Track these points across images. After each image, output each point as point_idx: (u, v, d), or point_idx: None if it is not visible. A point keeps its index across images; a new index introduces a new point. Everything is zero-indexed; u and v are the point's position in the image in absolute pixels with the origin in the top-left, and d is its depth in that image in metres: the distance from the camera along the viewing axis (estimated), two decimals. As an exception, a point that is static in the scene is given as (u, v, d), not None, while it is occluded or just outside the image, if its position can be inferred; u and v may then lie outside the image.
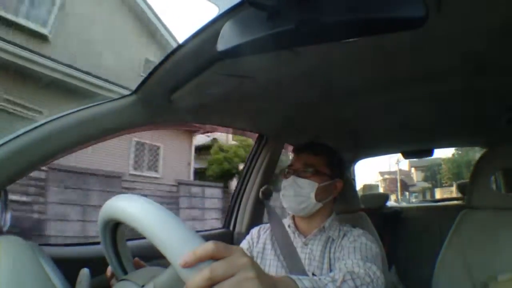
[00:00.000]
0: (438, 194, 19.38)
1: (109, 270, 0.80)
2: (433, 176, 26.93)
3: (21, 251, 0.71)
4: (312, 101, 1.47)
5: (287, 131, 1.87)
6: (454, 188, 16.55)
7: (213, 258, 0.47)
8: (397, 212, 2.85)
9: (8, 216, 1.01)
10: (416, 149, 2.69)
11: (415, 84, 1.33)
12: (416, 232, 2.65)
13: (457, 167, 21.42)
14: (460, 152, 20.75)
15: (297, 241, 1.28)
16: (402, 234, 2.69)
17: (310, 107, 1.54)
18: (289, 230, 1.33)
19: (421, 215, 2.81)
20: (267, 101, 1.44)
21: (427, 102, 1.54)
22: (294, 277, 0.71)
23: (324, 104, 1.51)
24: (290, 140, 1.95)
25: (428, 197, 21.39)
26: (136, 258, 0.82)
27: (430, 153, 2.80)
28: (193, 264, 0.45)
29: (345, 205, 1.74)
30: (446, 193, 17.35)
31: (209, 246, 0.47)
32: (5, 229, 0.99)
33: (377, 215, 2.61)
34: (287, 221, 1.37)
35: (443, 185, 23.60)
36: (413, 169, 31.75)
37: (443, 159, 22.94)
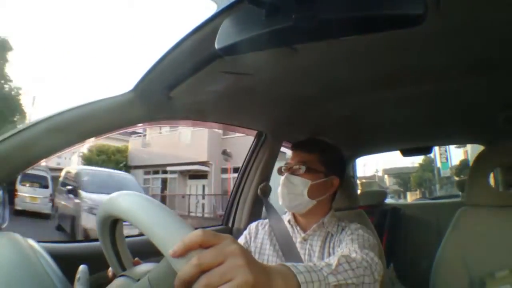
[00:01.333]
0: (409, 196, 27.11)
1: (111, 270, 0.80)
2: (405, 183, 35.72)
3: (19, 248, 0.71)
4: (311, 98, 1.47)
5: (286, 128, 1.86)
6: (418, 192, 27.20)
7: (202, 246, 0.47)
8: (396, 209, 2.85)
9: (6, 212, 1.01)
10: (415, 146, 2.69)
11: (414, 81, 1.33)
12: (414, 229, 2.66)
13: (419, 179, 31.72)
14: (424, 170, 30.61)
15: (296, 237, 1.29)
16: (400, 231, 2.69)
17: (309, 104, 1.53)
18: (289, 226, 1.33)
19: (419, 213, 2.82)
20: (266, 98, 1.44)
21: (426, 99, 1.54)
22: (288, 264, 0.70)
23: (323, 101, 1.51)
24: (289, 137, 1.95)
25: (402, 197, 29.34)
26: (136, 259, 0.83)
27: (428, 150, 2.80)
28: (183, 253, 0.46)
29: (344, 202, 1.74)
30: (413, 195, 24.10)
31: (197, 234, 0.47)
32: (3, 225, 0.99)
33: (376, 212, 2.62)
34: (286, 217, 1.37)
35: (412, 190, 32.18)
36: (386, 176, 39.37)
37: (412, 174, 32.61)
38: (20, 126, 0.98)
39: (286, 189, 1.25)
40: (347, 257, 0.90)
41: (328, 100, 1.51)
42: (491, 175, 1.58)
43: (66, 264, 0.73)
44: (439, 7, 0.78)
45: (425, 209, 2.85)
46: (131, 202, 0.56)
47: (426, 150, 2.79)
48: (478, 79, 1.30)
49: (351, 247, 1.06)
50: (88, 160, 17.35)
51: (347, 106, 1.61)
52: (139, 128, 1.27)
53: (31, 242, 0.79)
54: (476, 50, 1.08)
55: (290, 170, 1.28)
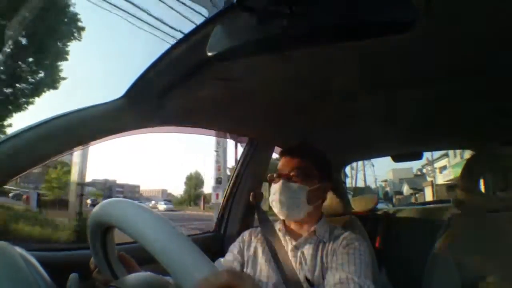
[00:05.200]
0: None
1: (92, 262, 0.80)
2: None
3: (8, 257, 0.70)
4: (302, 104, 1.47)
5: (278, 135, 1.86)
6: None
7: (224, 287, 0.47)
8: (388, 215, 2.85)
9: None
10: (406, 152, 2.70)
11: (404, 87, 1.34)
12: (406, 234, 2.65)
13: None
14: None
15: (288, 245, 1.28)
16: (392, 236, 2.69)
17: (300, 110, 1.54)
18: (280, 234, 1.32)
19: (411, 217, 2.81)
20: (257, 104, 1.44)
21: (415, 105, 1.55)
22: None
23: (314, 106, 1.51)
24: (280, 143, 1.95)
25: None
26: (121, 253, 0.82)
27: (419, 156, 2.80)
28: None
29: (337, 208, 1.74)
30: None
31: (223, 276, 0.48)
32: None
33: (368, 218, 2.62)
34: (277, 225, 1.36)
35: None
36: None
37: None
38: (9, 133, 0.96)
39: (284, 197, 1.22)
40: None
41: (319, 105, 1.51)
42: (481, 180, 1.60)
43: (57, 272, 0.72)
44: (428, 13, 0.79)
45: (416, 214, 2.85)
46: (144, 220, 0.54)
47: (417, 156, 2.80)
48: (467, 84, 1.32)
49: (348, 271, 1.07)
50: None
51: (338, 112, 1.62)
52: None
53: (20, 250, 0.77)
54: (464, 56, 1.09)
55: (285, 177, 1.26)
